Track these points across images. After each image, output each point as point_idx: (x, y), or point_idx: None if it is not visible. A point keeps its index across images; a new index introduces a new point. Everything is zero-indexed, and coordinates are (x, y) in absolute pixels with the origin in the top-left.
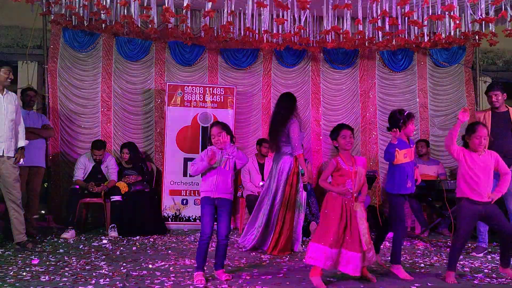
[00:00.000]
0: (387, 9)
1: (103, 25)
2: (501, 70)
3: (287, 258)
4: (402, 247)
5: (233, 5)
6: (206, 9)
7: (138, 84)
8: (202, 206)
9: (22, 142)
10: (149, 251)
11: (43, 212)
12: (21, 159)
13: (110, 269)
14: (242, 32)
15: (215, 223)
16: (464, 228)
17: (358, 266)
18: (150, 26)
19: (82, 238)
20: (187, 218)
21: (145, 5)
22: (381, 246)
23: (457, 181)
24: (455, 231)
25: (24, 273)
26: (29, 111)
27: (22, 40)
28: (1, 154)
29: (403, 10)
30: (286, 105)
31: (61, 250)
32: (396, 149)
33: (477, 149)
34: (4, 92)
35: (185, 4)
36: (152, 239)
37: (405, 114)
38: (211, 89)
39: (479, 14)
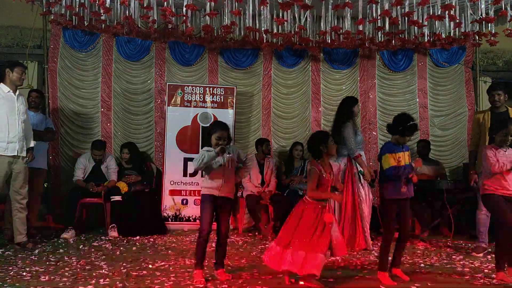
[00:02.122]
0: (387, 9)
1: (103, 25)
2: (501, 70)
3: None
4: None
5: (235, 5)
6: (207, 10)
7: (138, 84)
8: (203, 202)
9: (31, 143)
10: (149, 251)
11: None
12: (31, 160)
13: (110, 269)
14: (242, 32)
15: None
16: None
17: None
18: (150, 26)
19: (82, 238)
20: (187, 218)
21: (145, 5)
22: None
23: (482, 178)
24: (498, 229)
25: (24, 273)
26: (35, 113)
27: (22, 40)
28: (16, 154)
29: (403, 10)
30: (342, 109)
31: (61, 250)
32: (387, 154)
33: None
34: (17, 93)
35: (185, 3)
36: (152, 239)
37: (409, 124)
38: (211, 89)
39: (479, 14)
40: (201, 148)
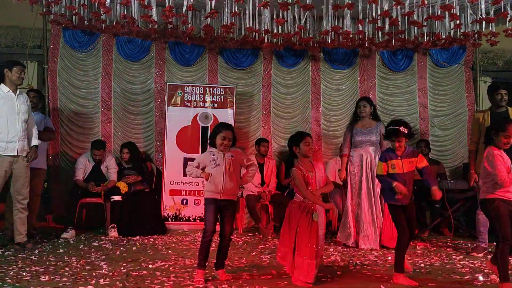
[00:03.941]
0: (387, 9)
1: (103, 25)
2: (501, 70)
3: None
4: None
5: (235, 6)
6: (207, 10)
7: (138, 84)
8: (207, 205)
9: (35, 141)
10: (149, 251)
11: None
12: (34, 158)
13: (110, 269)
14: (242, 32)
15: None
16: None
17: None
18: (150, 26)
19: (82, 238)
20: (187, 218)
21: (146, 4)
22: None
23: (484, 182)
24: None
25: (24, 273)
26: (33, 113)
27: (22, 40)
28: (15, 154)
29: (403, 10)
30: None
31: (61, 250)
32: (379, 161)
33: (505, 146)
34: (17, 93)
35: (185, 5)
36: (152, 239)
37: (388, 128)
38: (211, 89)
39: (479, 14)
40: (201, 152)
